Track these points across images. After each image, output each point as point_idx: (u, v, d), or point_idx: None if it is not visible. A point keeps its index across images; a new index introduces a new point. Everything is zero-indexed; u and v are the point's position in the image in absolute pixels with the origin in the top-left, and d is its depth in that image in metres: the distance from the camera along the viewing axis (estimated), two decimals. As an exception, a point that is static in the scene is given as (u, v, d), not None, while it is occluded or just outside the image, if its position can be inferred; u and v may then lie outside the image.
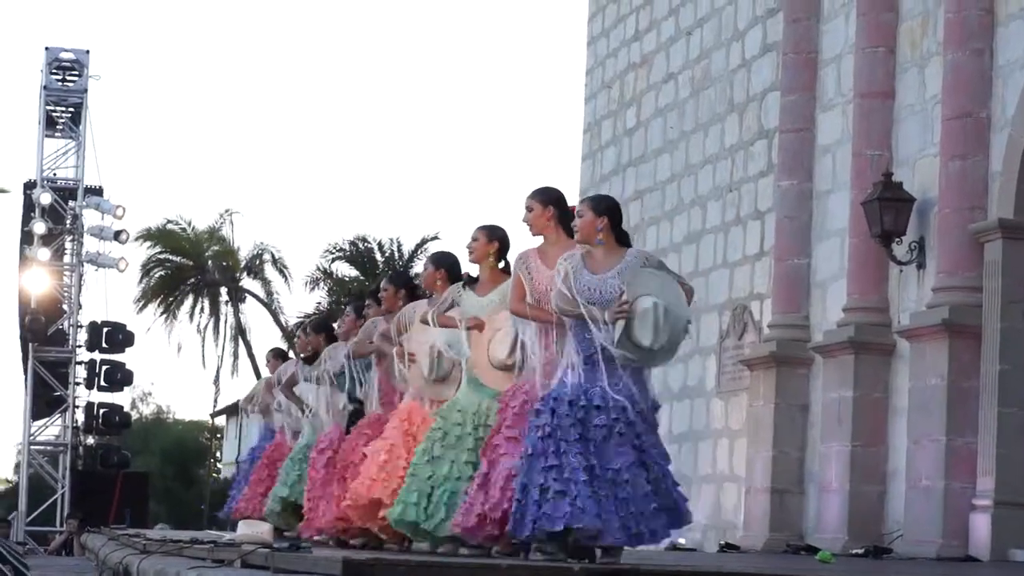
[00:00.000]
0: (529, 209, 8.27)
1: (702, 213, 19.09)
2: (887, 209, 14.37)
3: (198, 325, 50.31)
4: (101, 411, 28.86)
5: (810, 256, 16.49)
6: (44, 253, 28.16)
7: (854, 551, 13.87)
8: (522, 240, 8.57)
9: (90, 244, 28.94)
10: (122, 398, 30.51)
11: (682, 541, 17.05)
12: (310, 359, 12.58)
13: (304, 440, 12.71)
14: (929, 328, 13.70)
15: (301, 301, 69.19)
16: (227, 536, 10.85)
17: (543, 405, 7.64)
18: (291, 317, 49.00)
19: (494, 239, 9.05)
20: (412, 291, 10.64)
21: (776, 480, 16.17)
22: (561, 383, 7.66)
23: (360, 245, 46.70)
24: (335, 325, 12.73)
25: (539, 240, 8.31)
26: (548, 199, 8.26)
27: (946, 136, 14.04)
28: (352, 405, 11.15)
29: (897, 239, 14.44)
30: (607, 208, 7.84)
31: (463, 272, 9.47)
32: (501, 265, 9.02)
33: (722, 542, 16.70)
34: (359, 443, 10.33)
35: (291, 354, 15.70)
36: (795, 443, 16.19)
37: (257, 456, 14.64)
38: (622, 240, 7.86)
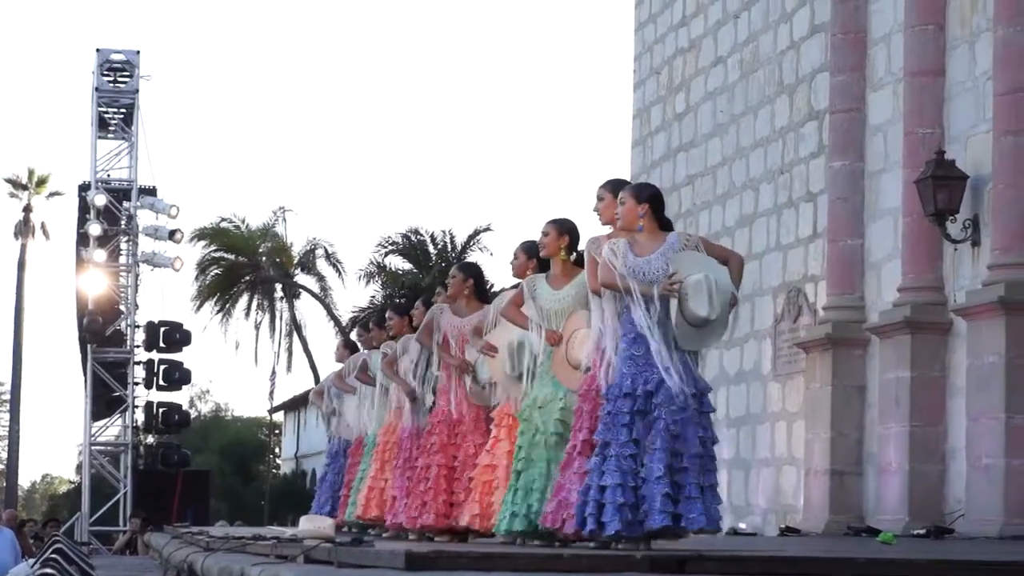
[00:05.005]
0: (600, 199, 8.43)
1: (754, 196, 19.04)
2: (940, 187, 14.29)
3: (254, 322, 50.61)
4: (160, 410, 29.07)
5: (863, 237, 16.43)
6: (100, 254, 28.35)
7: (916, 531, 13.82)
8: (591, 229, 8.71)
9: (145, 244, 29.14)
10: (180, 397, 30.76)
11: (743, 526, 17.05)
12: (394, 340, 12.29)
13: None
14: (985, 306, 13.62)
15: (355, 295, 69.34)
16: (289, 532, 10.89)
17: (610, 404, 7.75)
18: (345, 312, 49.18)
19: (564, 232, 9.01)
20: (479, 282, 10.64)
21: (835, 462, 16.12)
22: (620, 374, 7.74)
23: (413, 238, 46.70)
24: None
25: (608, 228, 8.40)
26: (619, 190, 8.30)
27: (999, 112, 13.94)
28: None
29: (951, 217, 14.36)
30: (649, 196, 8.05)
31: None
32: (573, 258, 8.99)
33: (782, 525, 16.67)
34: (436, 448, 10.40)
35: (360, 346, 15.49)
36: (853, 424, 16.15)
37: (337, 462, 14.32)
38: (664, 226, 8.06)
